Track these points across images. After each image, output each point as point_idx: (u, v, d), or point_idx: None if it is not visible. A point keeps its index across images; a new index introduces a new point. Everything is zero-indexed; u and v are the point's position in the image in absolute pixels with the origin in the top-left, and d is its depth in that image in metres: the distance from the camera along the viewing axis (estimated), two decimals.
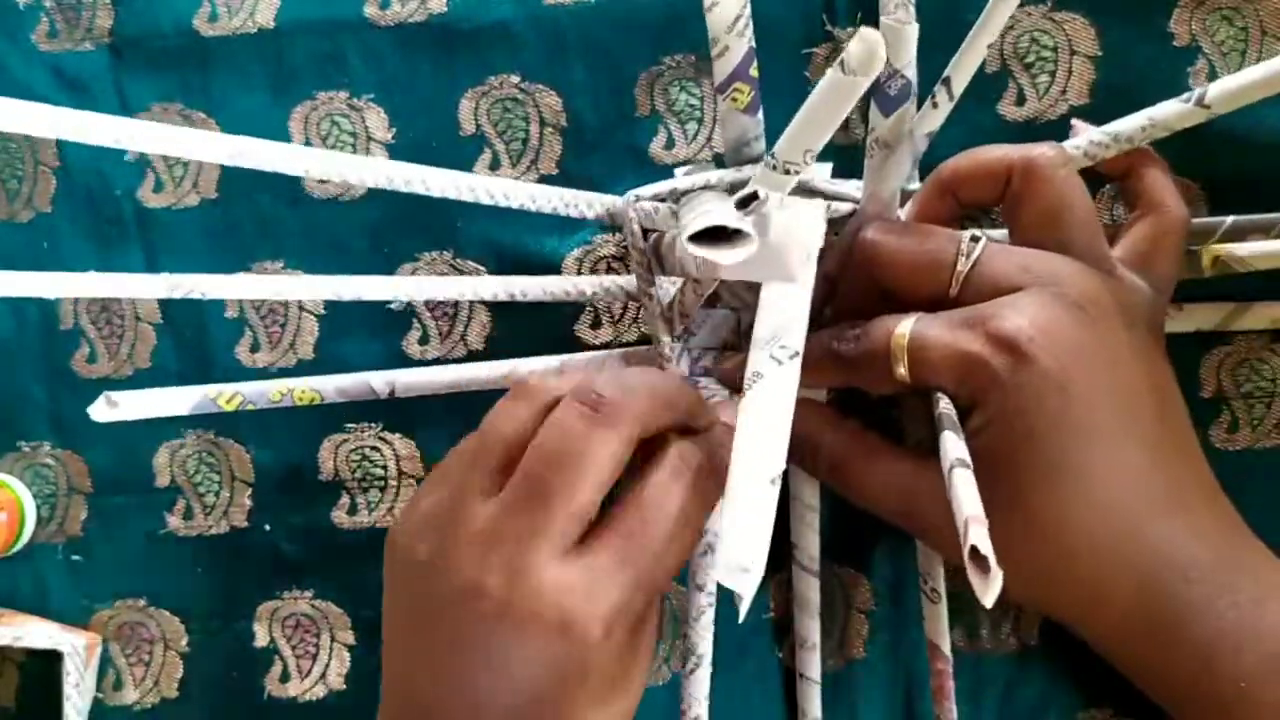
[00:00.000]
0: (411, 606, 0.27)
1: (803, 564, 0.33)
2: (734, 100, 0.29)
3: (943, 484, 0.27)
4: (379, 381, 0.33)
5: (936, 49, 0.29)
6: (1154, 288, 0.30)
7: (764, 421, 0.26)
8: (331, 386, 0.33)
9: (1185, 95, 0.30)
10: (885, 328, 0.29)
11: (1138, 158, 0.31)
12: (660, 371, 0.32)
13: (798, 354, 0.27)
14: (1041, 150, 0.29)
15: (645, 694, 0.28)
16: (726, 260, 0.26)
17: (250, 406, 0.32)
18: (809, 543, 0.33)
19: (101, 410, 0.31)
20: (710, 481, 0.28)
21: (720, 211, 0.26)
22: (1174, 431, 0.29)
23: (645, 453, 0.28)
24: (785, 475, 0.28)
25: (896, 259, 0.29)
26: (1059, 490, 0.27)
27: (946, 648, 0.32)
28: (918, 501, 0.29)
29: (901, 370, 0.28)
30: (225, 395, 0.32)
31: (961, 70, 0.29)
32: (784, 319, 0.27)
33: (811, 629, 0.33)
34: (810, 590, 0.33)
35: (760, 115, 0.30)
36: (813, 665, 0.34)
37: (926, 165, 0.31)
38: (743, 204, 0.26)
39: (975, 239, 0.29)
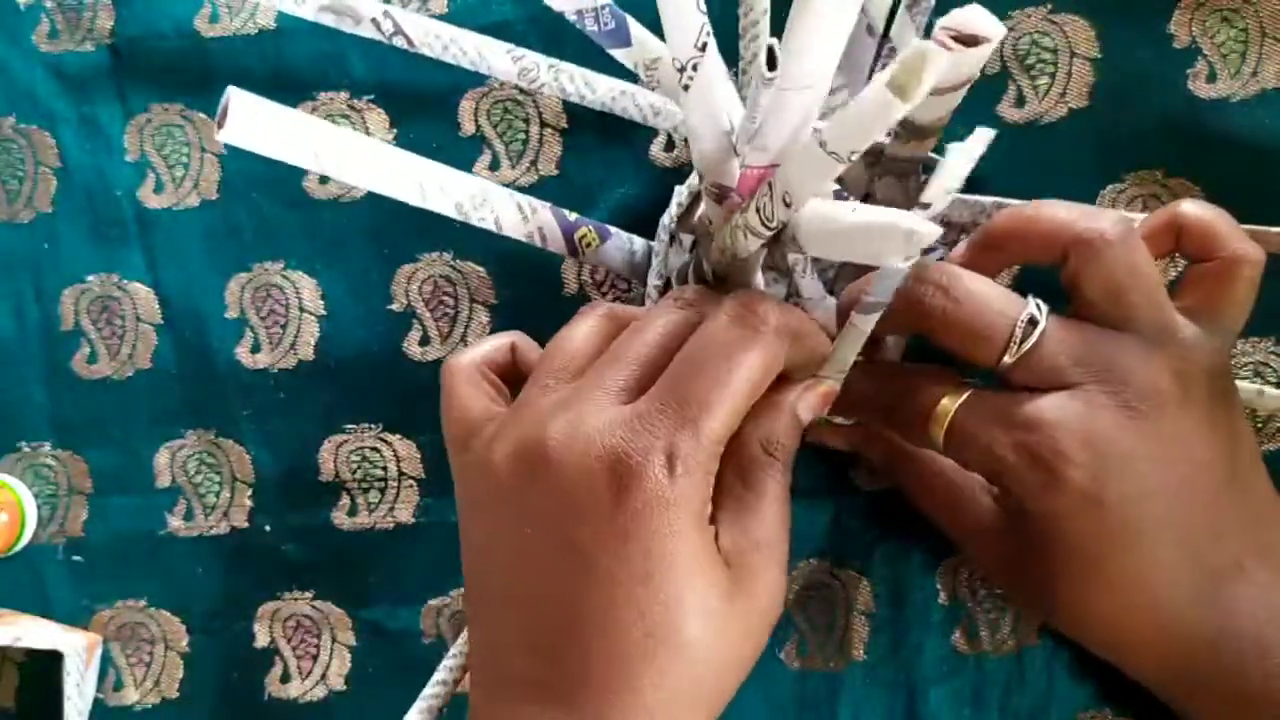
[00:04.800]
0: (483, 519, 0.27)
1: None
2: None
3: (990, 526, 0.30)
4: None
5: None
6: (1221, 336, 0.28)
7: None
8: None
9: None
10: (930, 398, 0.29)
11: (1178, 215, 0.29)
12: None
13: None
14: (1100, 229, 0.27)
15: None
16: None
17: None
18: None
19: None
20: (772, 332, 0.26)
21: None
22: (1233, 493, 0.28)
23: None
24: None
25: (950, 323, 0.28)
26: (1097, 588, 0.28)
27: None
28: (969, 539, 0.32)
29: (938, 441, 0.29)
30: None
31: None
32: None
33: None
34: None
35: None
36: None
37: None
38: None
39: (1034, 322, 0.27)
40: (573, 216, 0.31)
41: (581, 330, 0.28)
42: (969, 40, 0.24)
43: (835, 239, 0.25)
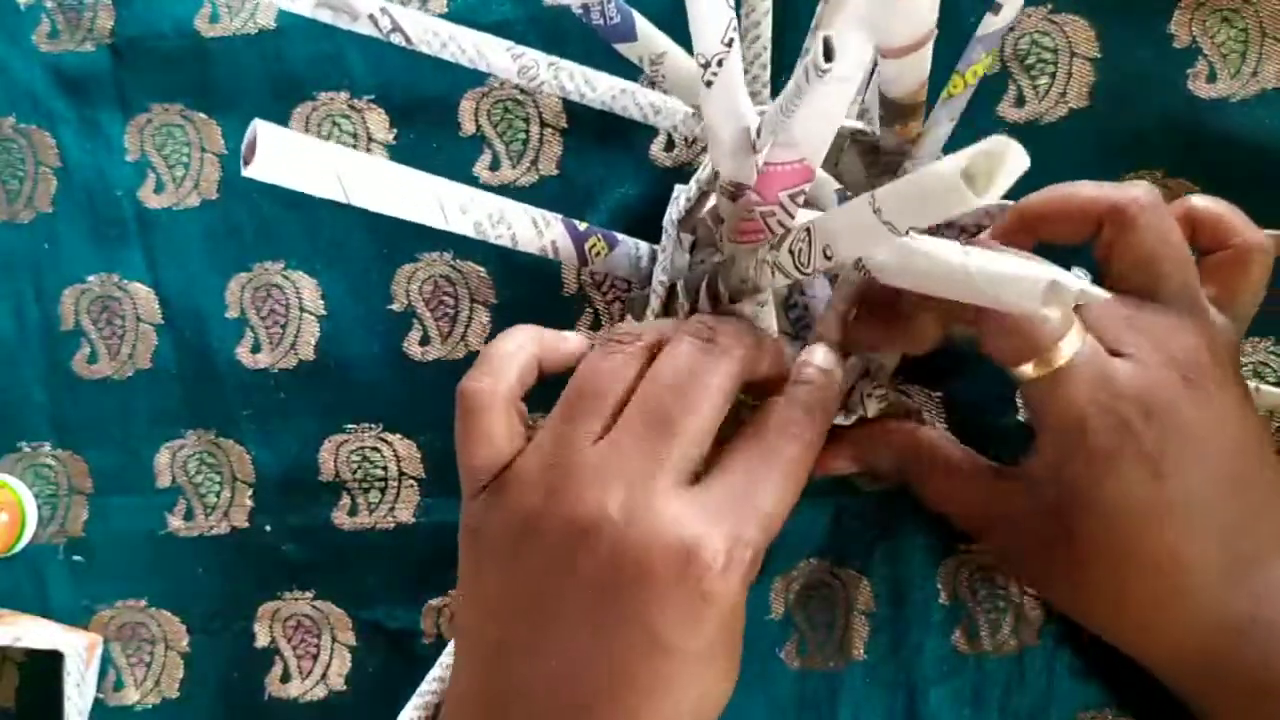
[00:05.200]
0: (513, 566, 0.26)
1: None
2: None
3: (1019, 507, 0.29)
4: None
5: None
6: (1237, 324, 0.29)
7: None
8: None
9: None
10: (1053, 333, 0.27)
11: (1190, 208, 0.30)
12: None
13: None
14: (1135, 196, 0.28)
15: None
16: None
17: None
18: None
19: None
20: (813, 438, 0.28)
21: None
22: (1265, 474, 0.28)
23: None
24: None
25: (988, 315, 0.27)
26: (1125, 571, 0.28)
27: None
28: (993, 525, 0.31)
29: (1029, 371, 0.28)
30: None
31: None
32: None
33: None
34: None
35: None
36: None
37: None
38: None
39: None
40: (583, 227, 0.31)
41: (614, 365, 0.27)
42: None
43: (937, 281, 0.25)
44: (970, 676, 0.34)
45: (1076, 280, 0.23)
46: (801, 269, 0.26)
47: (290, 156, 0.25)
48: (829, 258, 0.24)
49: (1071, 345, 0.27)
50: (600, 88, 0.34)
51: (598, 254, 0.32)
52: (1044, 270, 0.23)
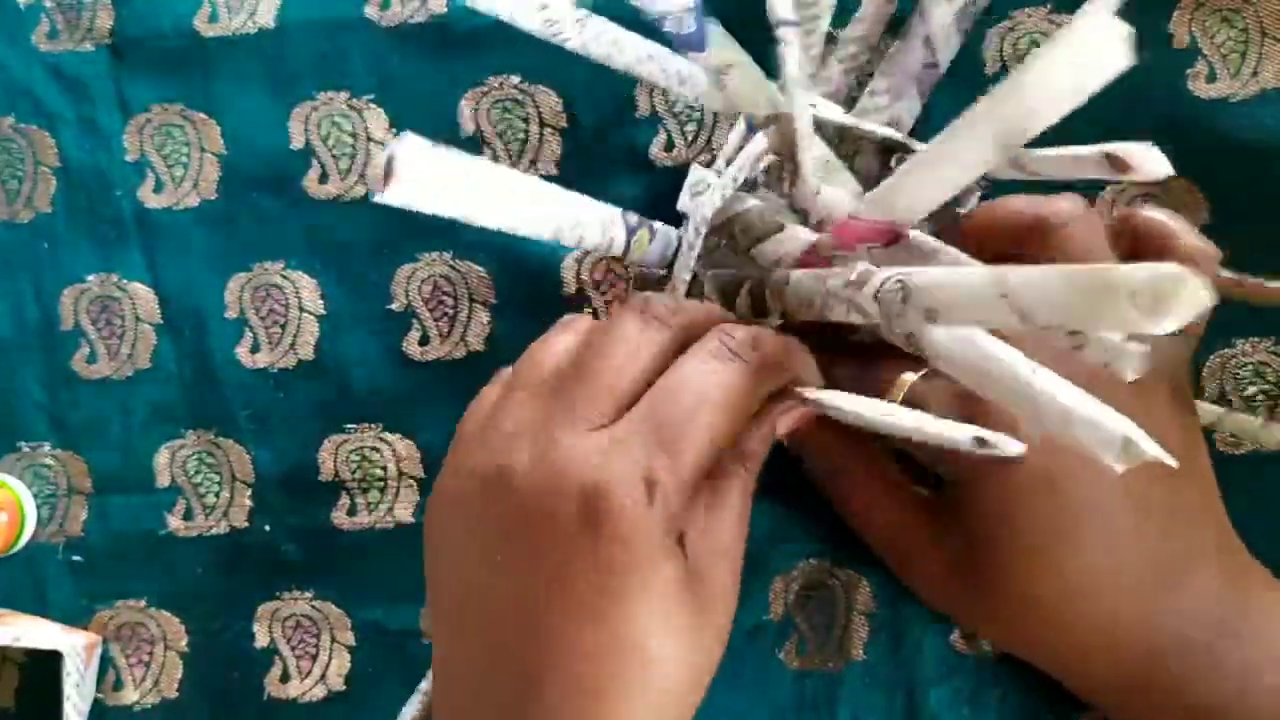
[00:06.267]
0: (447, 536, 0.27)
1: None
2: None
3: (928, 537, 0.30)
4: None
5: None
6: (1183, 335, 0.28)
7: None
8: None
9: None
10: (892, 371, 0.29)
11: (1131, 216, 0.29)
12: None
13: None
14: (1056, 207, 0.28)
15: None
16: None
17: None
18: None
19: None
20: (757, 364, 0.27)
21: None
22: (1185, 492, 0.28)
23: None
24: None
25: None
26: (1044, 580, 0.27)
27: None
28: (906, 550, 0.31)
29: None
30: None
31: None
32: None
33: None
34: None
35: None
36: None
37: None
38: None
39: None
40: (634, 220, 0.31)
41: (561, 344, 0.27)
42: (1122, 166, 0.24)
43: (999, 390, 0.24)
44: (970, 676, 0.34)
45: (1150, 444, 0.21)
46: (891, 322, 0.24)
47: (432, 176, 0.23)
48: (932, 320, 0.23)
49: (912, 374, 0.28)
50: (628, 51, 0.32)
51: (640, 246, 0.31)
52: (1116, 421, 0.22)
